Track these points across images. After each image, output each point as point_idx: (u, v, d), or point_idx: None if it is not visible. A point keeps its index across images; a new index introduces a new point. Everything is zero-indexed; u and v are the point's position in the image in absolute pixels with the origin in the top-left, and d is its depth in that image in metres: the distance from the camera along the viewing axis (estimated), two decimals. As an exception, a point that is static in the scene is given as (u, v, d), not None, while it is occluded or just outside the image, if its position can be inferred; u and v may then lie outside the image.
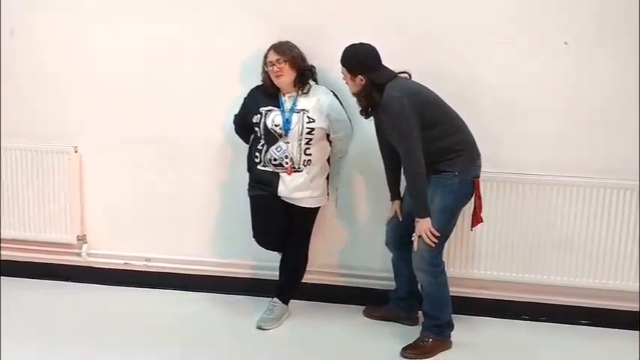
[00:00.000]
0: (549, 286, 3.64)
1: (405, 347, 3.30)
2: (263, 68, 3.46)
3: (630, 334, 3.53)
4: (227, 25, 3.71)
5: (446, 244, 3.31)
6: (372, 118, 3.31)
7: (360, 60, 3.18)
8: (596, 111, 3.54)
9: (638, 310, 3.57)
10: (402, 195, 3.46)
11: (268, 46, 3.42)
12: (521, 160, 3.59)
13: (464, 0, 3.53)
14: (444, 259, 3.30)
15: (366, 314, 3.72)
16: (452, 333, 3.35)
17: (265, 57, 3.42)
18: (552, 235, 3.59)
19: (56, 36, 3.87)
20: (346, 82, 3.26)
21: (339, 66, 3.25)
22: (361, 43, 3.22)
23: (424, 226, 3.14)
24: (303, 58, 3.44)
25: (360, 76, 3.17)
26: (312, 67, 3.48)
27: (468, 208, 3.35)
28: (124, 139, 3.90)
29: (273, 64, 3.37)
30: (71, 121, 3.94)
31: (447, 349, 3.32)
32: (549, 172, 3.57)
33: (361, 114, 3.30)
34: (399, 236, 3.44)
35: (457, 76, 3.54)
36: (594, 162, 3.55)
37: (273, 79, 3.40)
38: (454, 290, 3.38)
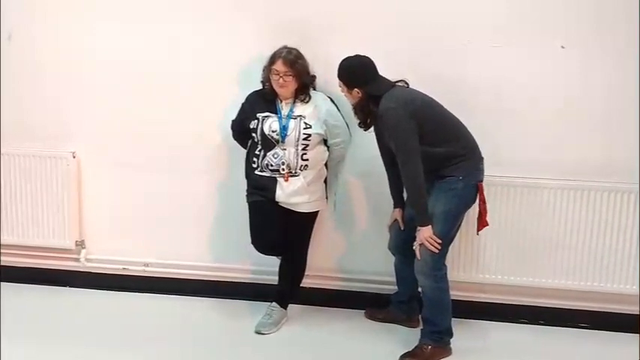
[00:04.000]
0: (549, 290, 3.63)
1: (403, 354, 3.29)
2: (264, 70, 3.43)
3: (630, 338, 3.51)
4: (227, 26, 3.69)
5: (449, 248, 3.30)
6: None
7: (356, 73, 3.18)
8: (595, 113, 3.52)
9: (638, 313, 3.56)
10: (404, 203, 3.43)
11: (273, 46, 3.39)
12: (522, 162, 3.58)
13: (464, 1, 3.51)
14: (446, 264, 3.29)
15: (368, 316, 3.72)
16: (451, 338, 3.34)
17: (271, 62, 3.37)
18: (552, 239, 3.58)
19: (54, 38, 3.84)
20: (345, 95, 3.26)
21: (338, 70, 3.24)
22: (357, 56, 3.20)
23: (425, 234, 3.13)
24: (308, 71, 3.41)
25: (356, 89, 3.16)
26: (314, 76, 3.46)
27: (472, 213, 3.33)
28: (121, 144, 3.89)
29: (280, 76, 3.33)
30: (69, 125, 3.92)
31: (446, 356, 3.30)
32: (549, 174, 3.55)
33: (360, 126, 3.29)
34: (402, 241, 3.42)
35: (456, 78, 3.53)
36: (594, 165, 3.54)
37: (275, 87, 3.38)
38: (454, 294, 3.37)
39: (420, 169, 3.07)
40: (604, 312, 3.63)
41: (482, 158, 3.26)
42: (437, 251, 3.14)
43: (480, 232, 3.39)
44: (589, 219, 3.54)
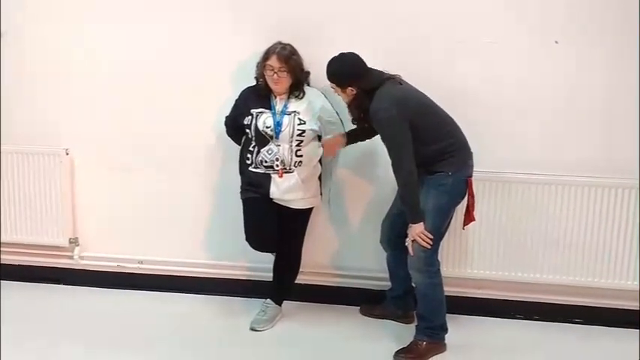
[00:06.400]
0: (547, 285, 3.62)
1: (398, 350, 3.28)
2: (258, 66, 3.41)
3: (628, 333, 3.51)
4: (226, 26, 3.68)
5: (440, 243, 3.29)
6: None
7: (346, 72, 3.17)
8: (595, 110, 3.51)
9: (637, 308, 3.55)
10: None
11: (267, 46, 3.37)
12: (521, 161, 3.57)
13: (464, 1, 3.50)
14: (439, 260, 3.28)
15: (364, 312, 3.72)
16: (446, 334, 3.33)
17: (265, 58, 3.36)
18: (550, 234, 3.57)
19: (49, 36, 3.83)
20: (338, 94, 3.25)
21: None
22: (342, 54, 3.19)
23: (417, 230, 3.13)
24: (302, 68, 3.39)
25: (349, 87, 3.16)
26: (308, 72, 3.44)
27: (461, 207, 3.33)
28: (115, 141, 3.88)
29: (274, 72, 3.32)
30: (62, 123, 3.91)
31: (441, 352, 3.30)
32: (548, 170, 3.54)
33: (353, 123, 3.30)
34: (394, 235, 3.42)
35: (456, 77, 3.53)
36: (593, 161, 3.53)
37: (269, 83, 3.37)
38: (448, 290, 3.35)
39: (413, 168, 3.07)
40: (603, 307, 3.61)
41: (471, 153, 3.26)
42: (429, 247, 3.14)
43: (466, 227, 3.38)
44: (589, 215, 3.53)
